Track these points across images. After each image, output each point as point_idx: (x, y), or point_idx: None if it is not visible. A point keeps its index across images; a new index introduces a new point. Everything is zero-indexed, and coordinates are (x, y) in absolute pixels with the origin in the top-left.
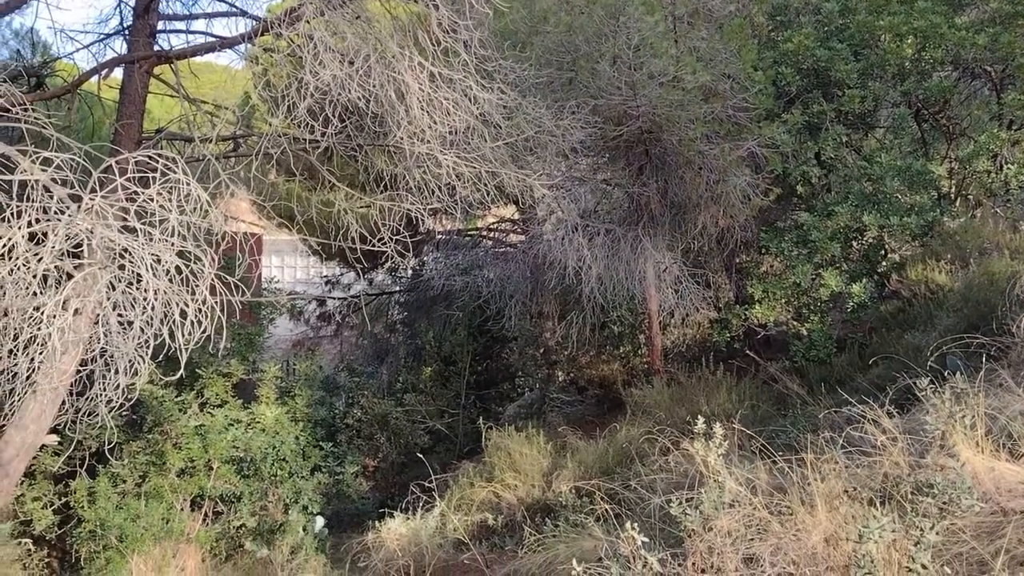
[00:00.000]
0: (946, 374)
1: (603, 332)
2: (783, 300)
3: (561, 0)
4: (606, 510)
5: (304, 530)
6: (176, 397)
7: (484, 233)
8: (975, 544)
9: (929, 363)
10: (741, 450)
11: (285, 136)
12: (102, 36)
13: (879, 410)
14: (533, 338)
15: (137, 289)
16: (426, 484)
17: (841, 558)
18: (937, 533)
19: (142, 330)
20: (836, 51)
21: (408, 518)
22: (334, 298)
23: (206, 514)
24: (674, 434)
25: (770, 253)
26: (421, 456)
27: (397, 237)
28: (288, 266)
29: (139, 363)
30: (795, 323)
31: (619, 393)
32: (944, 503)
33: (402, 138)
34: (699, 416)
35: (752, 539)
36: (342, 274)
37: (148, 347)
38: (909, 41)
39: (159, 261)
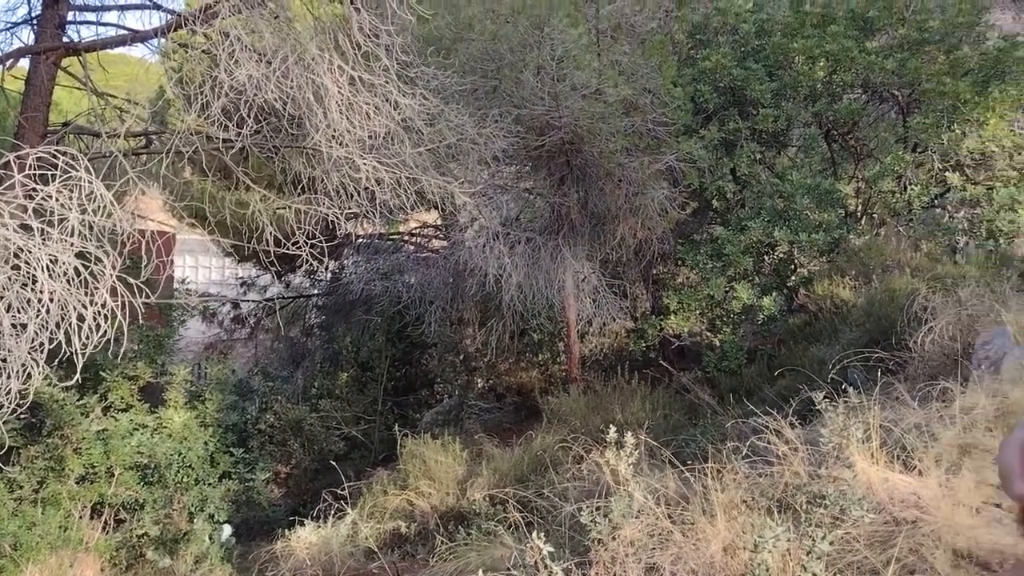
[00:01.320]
0: (842, 388)
1: (523, 339)
2: (697, 311)
3: (487, 9)
4: (518, 518)
5: (210, 539)
6: (78, 400)
7: (406, 238)
8: (867, 553)
9: (831, 376)
10: (652, 459)
11: (198, 135)
12: (9, 25)
13: (782, 421)
14: (453, 344)
15: (32, 291)
16: (339, 491)
17: (738, 567)
18: (831, 543)
19: (36, 333)
20: (752, 71)
21: (319, 526)
22: (249, 301)
23: (106, 522)
24: (588, 442)
25: (686, 265)
26: (335, 463)
27: (313, 240)
28: (203, 266)
29: (32, 367)
30: (709, 334)
31: (537, 400)
32: (835, 514)
33: (320, 141)
34: (613, 424)
35: (654, 548)
36: (258, 276)
37: (43, 351)
38: (821, 64)
39: (56, 262)
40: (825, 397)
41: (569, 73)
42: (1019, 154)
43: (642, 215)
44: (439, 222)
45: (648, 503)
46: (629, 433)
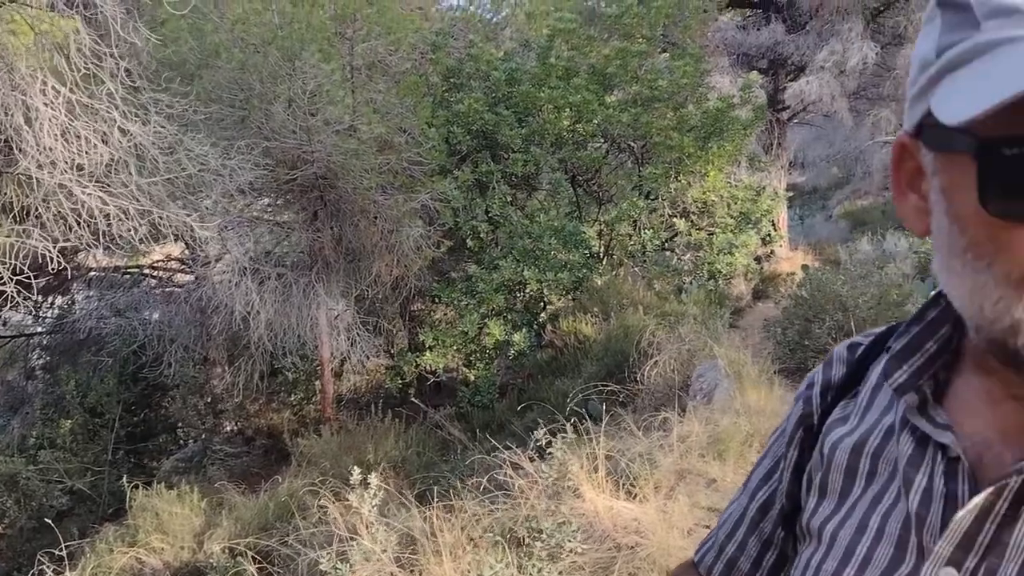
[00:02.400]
0: (577, 420)
1: (276, 379)
2: (453, 348)
3: (235, 36)
4: (258, 570)
5: None
6: None
7: (147, 271)
8: None
9: (571, 408)
10: (402, 498)
11: None
12: None
13: (522, 455)
14: (198, 386)
15: None
16: (58, 552)
17: None
18: (560, 572)
19: None
20: (503, 117)
21: None
22: None
23: None
24: (337, 485)
25: (442, 302)
26: (55, 521)
27: (19, 277)
28: None
29: None
30: (465, 370)
31: (287, 443)
32: (557, 545)
33: (30, 167)
34: (366, 465)
35: None
36: None
37: None
38: (566, 113)
39: None
40: (546, 432)
41: (322, 108)
42: (735, 203)
43: (398, 252)
44: (185, 255)
45: (384, 546)
46: (374, 474)
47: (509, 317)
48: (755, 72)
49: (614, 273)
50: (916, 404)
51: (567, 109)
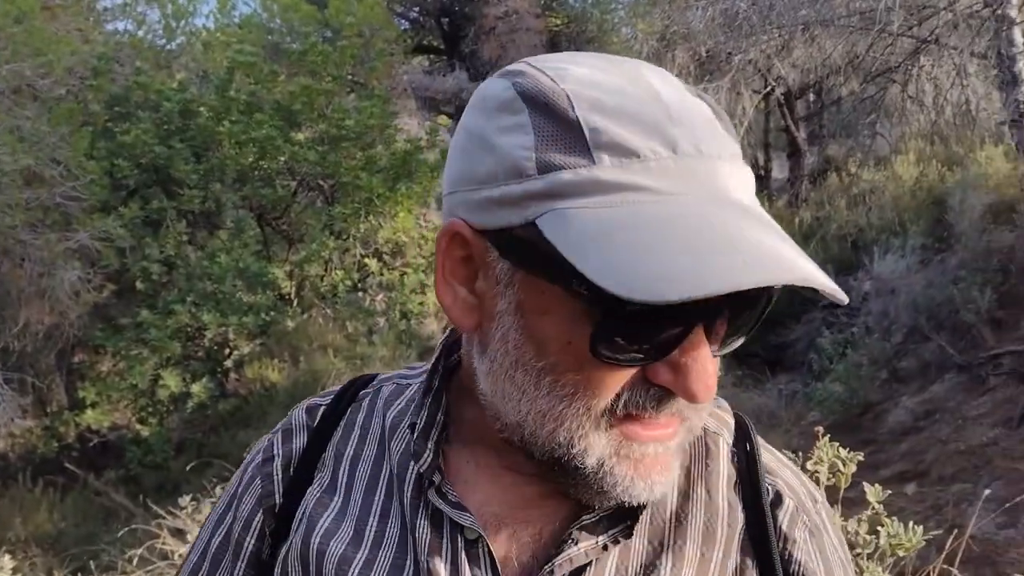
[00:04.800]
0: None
1: None
2: (122, 403)
3: None
4: None
5: None
6: None
7: None
8: None
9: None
10: None
11: None
12: None
13: (186, 519)
14: None
15: None
16: None
17: None
18: None
19: None
20: (176, 150)
21: None
22: None
23: None
24: None
25: (109, 352)
26: None
27: None
28: None
29: None
30: (138, 427)
31: None
32: None
33: None
34: (6, 544)
35: None
36: None
37: None
38: (250, 149)
39: None
40: (193, 498)
41: None
42: (426, 244)
43: (51, 298)
44: None
45: None
46: (8, 556)
47: (188, 366)
48: (444, 116)
49: (306, 315)
50: (439, 483)
51: (250, 145)
